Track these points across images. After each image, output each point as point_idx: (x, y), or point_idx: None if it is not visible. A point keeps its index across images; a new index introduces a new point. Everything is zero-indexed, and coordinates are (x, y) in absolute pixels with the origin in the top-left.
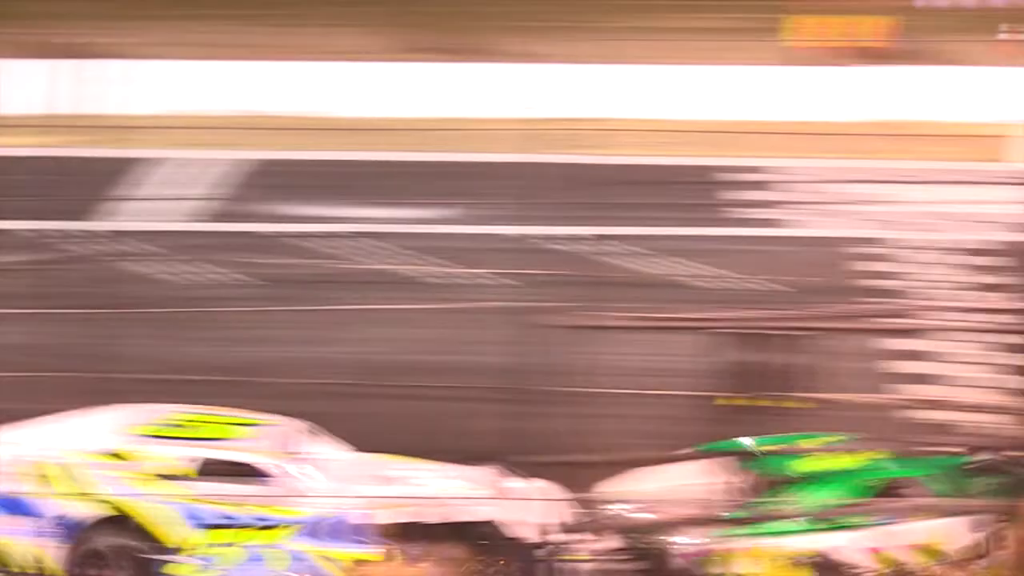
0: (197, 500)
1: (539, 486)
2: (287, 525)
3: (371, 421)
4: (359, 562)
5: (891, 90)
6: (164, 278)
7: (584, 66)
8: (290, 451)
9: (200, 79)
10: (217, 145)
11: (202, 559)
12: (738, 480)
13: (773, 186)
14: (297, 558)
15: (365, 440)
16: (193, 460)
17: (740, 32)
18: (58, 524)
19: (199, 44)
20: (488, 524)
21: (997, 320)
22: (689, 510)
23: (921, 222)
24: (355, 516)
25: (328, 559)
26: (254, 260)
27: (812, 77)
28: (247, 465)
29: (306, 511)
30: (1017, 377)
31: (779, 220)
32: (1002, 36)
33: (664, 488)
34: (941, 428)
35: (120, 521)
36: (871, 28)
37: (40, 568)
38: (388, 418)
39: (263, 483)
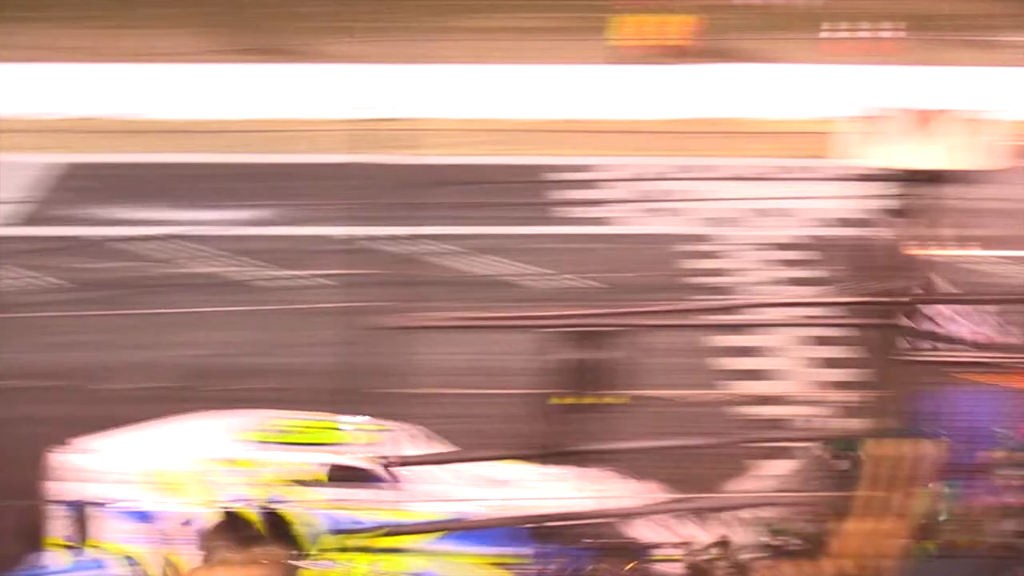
0: (328, 505)
1: (640, 486)
2: (416, 529)
3: None
4: (491, 564)
5: (716, 88)
6: None
7: (411, 67)
8: (405, 455)
9: (23, 82)
10: (34, 148)
11: (333, 564)
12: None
13: (601, 184)
14: (429, 561)
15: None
16: (323, 465)
17: (566, 32)
18: (185, 529)
19: (18, 47)
20: (605, 525)
21: (815, 313)
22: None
23: (747, 219)
24: (480, 519)
25: (458, 562)
26: (71, 264)
27: (638, 76)
28: (365, 470)
29: (432, 514)
30: (831, 370)
31: (607, 218)
32: (824, 34)
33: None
34: (773, 423)
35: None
36: (693, 27)
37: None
38: None
39: (385, 487)
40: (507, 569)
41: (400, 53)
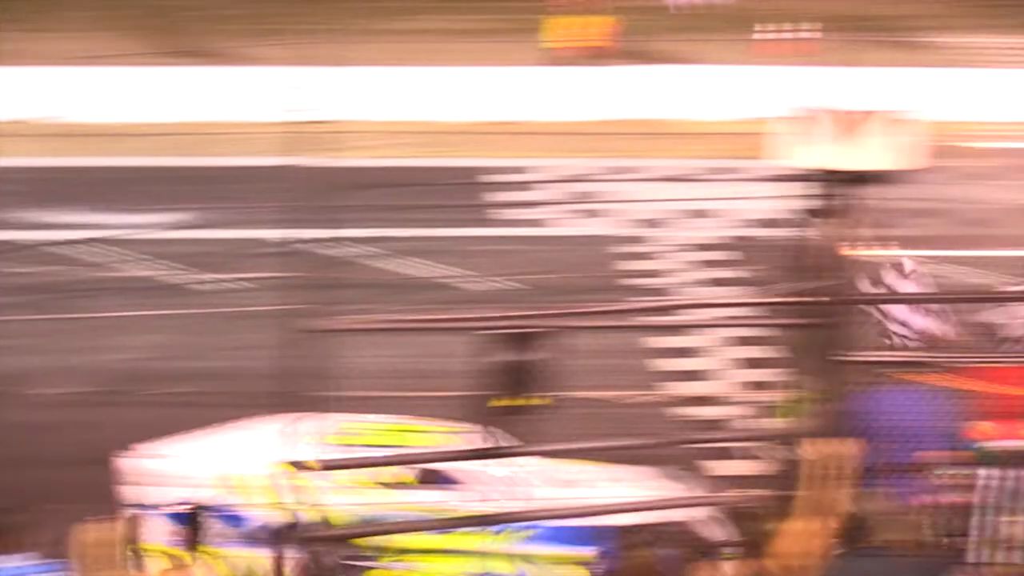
0: (415, 508)
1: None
2: (500, 531)
3: (126, 429)
4: (569, 563)
5: (646, 90)
6: None
7: (342, 69)
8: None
9: None
10: None
11: (411, 565)
12: None
13: (534, 186)
14: (508, 562)
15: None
16: (412, 469)
17: (497, 34)
18: (269, 534)
19: None
20: (684, 525)
21: (747, 314)
22: None
23: (678, 220)
24: (564, 520)
25: (538, 562)
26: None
27: (570, 78)
28: (444, 472)
29: (518, 516)
30: (764, 370)
31: (540, 220)
32: (752, 36)
33: None
34: (710, 424)
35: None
36: (623, 29)
37: None
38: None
39: (469, 490)
40: (585, 568)
41: (331, 55)
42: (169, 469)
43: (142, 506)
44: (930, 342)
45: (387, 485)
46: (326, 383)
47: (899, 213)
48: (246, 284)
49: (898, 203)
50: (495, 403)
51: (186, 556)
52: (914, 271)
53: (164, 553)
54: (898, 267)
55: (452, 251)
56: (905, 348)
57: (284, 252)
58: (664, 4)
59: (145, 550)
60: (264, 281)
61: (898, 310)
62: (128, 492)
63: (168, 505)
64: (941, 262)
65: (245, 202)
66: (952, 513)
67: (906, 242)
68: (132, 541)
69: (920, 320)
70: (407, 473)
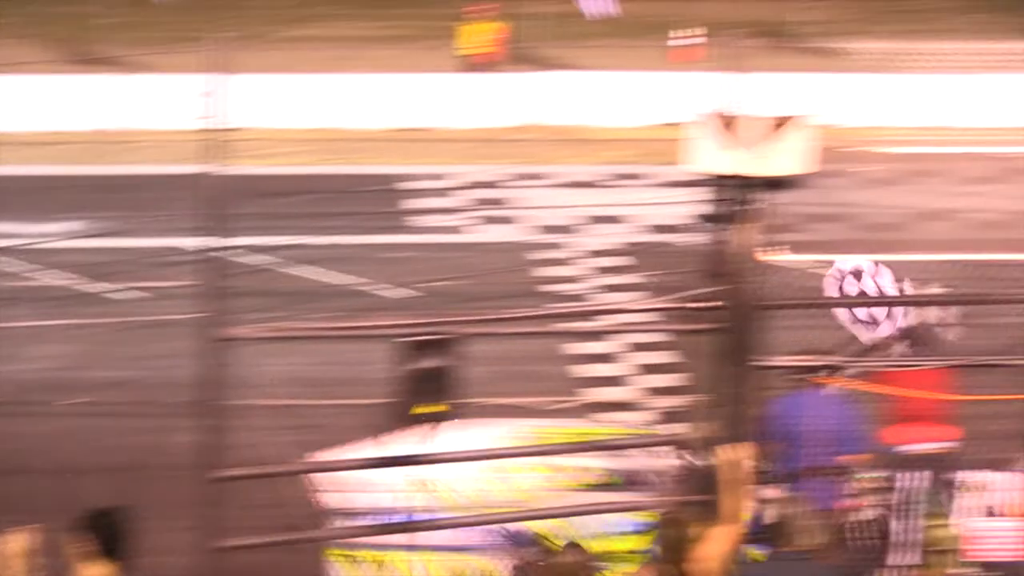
0: (622, 510)
1: None
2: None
3: (38, 440)
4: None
5: (557, 96)
6: None
7: (258, 77)
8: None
9: None
10: None
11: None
12: None
13: (448, 193)
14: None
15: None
16: (616, 471)
17: (411, 40)
18: (506, 539)
19: None
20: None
21: (657, 319)
22: None
23: (588, 226)
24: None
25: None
26: None
27: (483, 84)
28: (639, 473)
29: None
30: (675, 375)
31: (454, 227)
32: (664, 42)
33: None
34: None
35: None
36: (534, 36)
37: None
38: (55, 437)
39: (653, 490)
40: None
41: (244, 63)
42: (367, 475)
43: (346, 513)
44: (854, 347)
45: (592, 487)
46: (244, 391)
47: (805, 218)
48: (160, 293)
49: (804, 208)
50: (411, 410)
51: (394, 561)
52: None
53: (375, 560)
54: (803, 271)
55: (367, 258)
56: (829, 353)
57: (198, 260)
58: (578, 11)
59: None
60: (178, 290)
61: (830, 314)
62: (327, 499)
63: (373, 511)
64: None
65: (157, 211)
66: (870, 516)
67: (812, 247)
68: (35, 554)
69: (885, 322)
70: (614, 475)
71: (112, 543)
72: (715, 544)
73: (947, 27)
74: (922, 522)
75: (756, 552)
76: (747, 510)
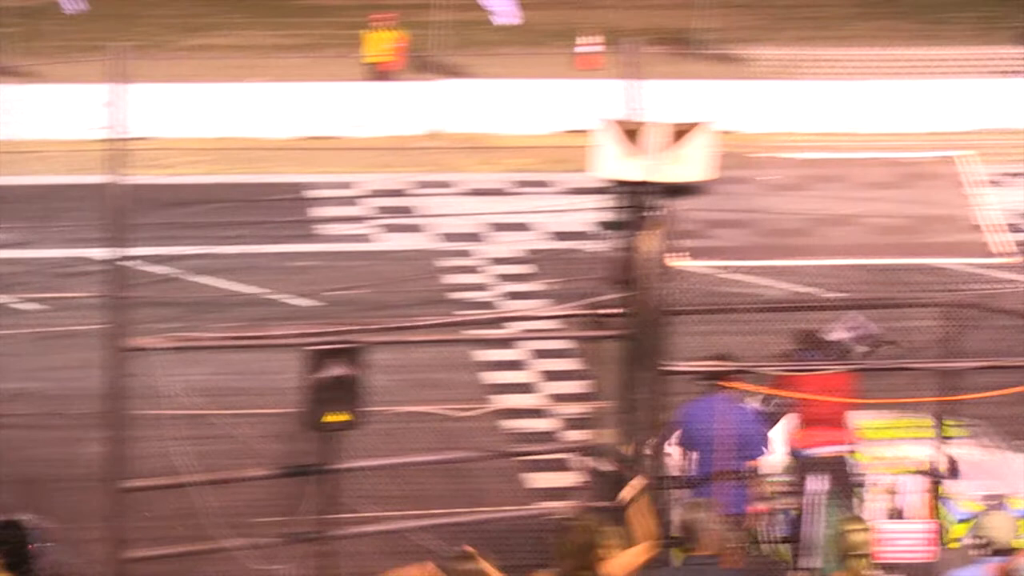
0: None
1: None
2: None
3: None
4: None
5: (470, 103)
6: None
7: (163, 86)
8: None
9: None
10: None
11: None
12: None
13: (356, 201)
14: None
15: None
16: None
17: (318, 49)
18: None
19: None
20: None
21: (564, 326)
22: None
23: (495, 233)
24: None
25: None
26: None
27: (391, 92)
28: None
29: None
30: (583, 382)
31: (362, 235)
32: (576, 49)
33: None
34: (532, 436)
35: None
36: (440, 43)
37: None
38: None
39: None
40: None
41: (151, 72)
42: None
43: None
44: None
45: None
46: (151, 401)
47: (709, 224)
48: (64, 304)
49: (708, 214)
50: (320, 418)
51: None
52: (724, 281)
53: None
54: (710, 278)
55: (274, 267)
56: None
57: (105, 271)
58: (485, 18)
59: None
60: (84, 300)
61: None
62: None
63: None
64: (750, 272)
65: (63, 221)
66: (779, 520)
67: (715, 253)
68: None
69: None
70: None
71: (17, 555)
72: (622, 551)
73: (849, 33)
74: (830, 525)
75: (670, 558)
76: (657, 516)
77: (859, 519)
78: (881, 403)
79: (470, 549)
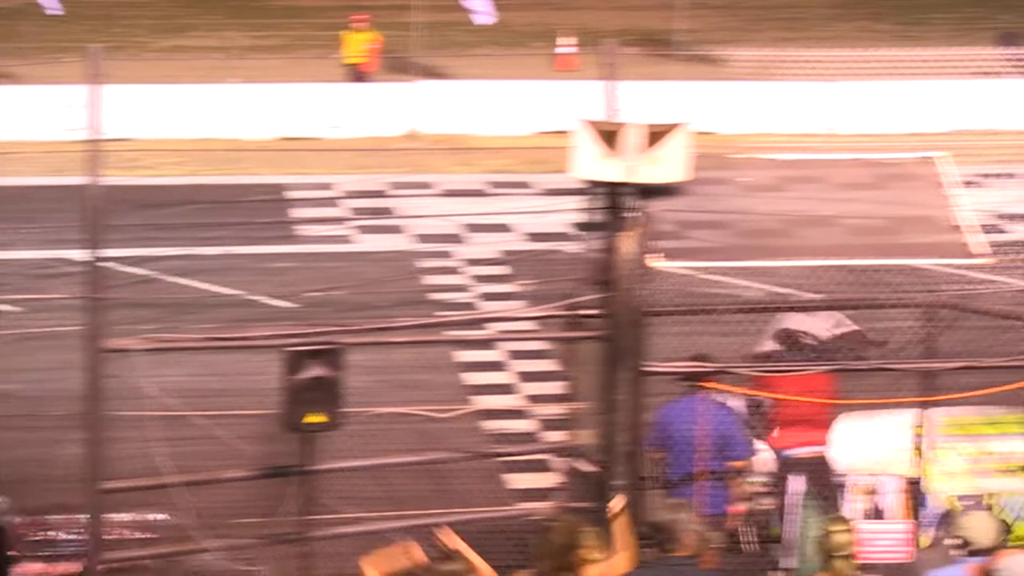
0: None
1: None
2: None
3: None
4: None
5: (449, 104)
6: None
7: (143, 87)
8: None
9: None
10: None
11: None
12: None
13: (337, 202)
14: None
15: None
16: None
17: (298, 50)
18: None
19: None
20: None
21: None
22: None
23: (474, 234)
24: None
25: None
26: None
27: (371, 93)
28: None
29: None
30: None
31: (344, 236)
32: (555, 50)
33: None
34: (512, 437)
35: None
36: (418, 44)
37: None
38: None
39: None
40: None
41: (129, 74)
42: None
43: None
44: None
45: (1005, 472)
46: (132, 403)
47: (687, 225)
48: (45, 305)
49: (686, 215)
50: (299, 419)
51: None
52: (702, 282)
53: None
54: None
55: (253, 268)
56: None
57: (83, 272)
58: (463, 19)
59: None
60: (63, 302)
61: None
62: None
63: None
64: (727, 273)
65: (42, 222)
66: (761, 520)
67: (693, 254)
68: None
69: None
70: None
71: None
72: (602, 553)
73: (826, 34)
74: (810, 525)
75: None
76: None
77: (843, 519)
78: (859, 403)
79: (452, 540)
